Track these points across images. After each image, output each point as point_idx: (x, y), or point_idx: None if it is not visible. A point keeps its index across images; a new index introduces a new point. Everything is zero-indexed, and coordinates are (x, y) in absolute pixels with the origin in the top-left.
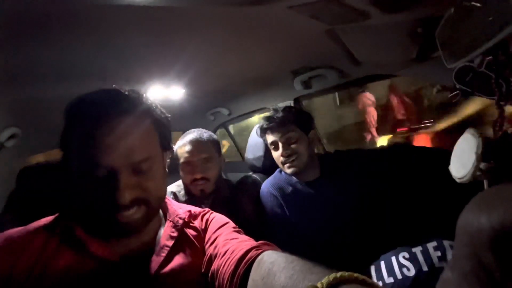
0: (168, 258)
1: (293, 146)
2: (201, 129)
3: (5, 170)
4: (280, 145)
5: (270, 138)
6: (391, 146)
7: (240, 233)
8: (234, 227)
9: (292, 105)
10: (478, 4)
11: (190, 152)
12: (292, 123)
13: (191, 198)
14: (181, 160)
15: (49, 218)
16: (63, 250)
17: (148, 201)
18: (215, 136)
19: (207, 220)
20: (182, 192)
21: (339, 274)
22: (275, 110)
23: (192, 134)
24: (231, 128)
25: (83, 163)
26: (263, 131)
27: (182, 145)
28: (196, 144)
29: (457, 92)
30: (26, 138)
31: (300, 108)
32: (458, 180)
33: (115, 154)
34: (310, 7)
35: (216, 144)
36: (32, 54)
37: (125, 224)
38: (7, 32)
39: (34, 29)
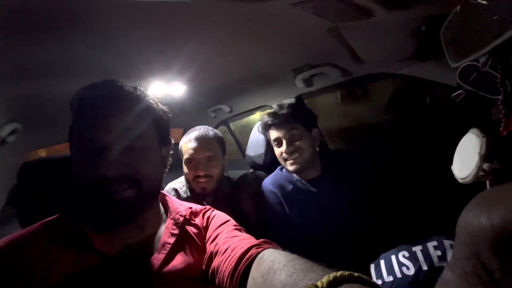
0: (170, 256)
1: (296, 143)
2: (207, 126)
3: (6, 164)
4: (284, 142)
5: (273, 134)
6: (393, 145)
7: (241, 231)
8: (235, 225)
9: (294, 102)
10: (485, 2)
11: (195, 149)
12: (296, 120)
13: (192, 194)
14: (185, 156)
15: (51, 219)
16: (67, 249)
17: (139, 182)
18: (220, 135)
19: (208, 217)
20: (184, 188)
21: (339, 273)
22: (280, 107)
23: (198, 131)
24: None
25: (80, 142)
26: (267, 127)
27: (187, 141)
28: (202, 141)
29: (460, 91)
30: (27, 133)
31: (304, 106)
32: (460, 181)
33: (107, 131)
34: (313, 4)
35: (221, 143)
36: (33, 50)
37: (117, 203)
38: (8, 28)
39: (35, 25)
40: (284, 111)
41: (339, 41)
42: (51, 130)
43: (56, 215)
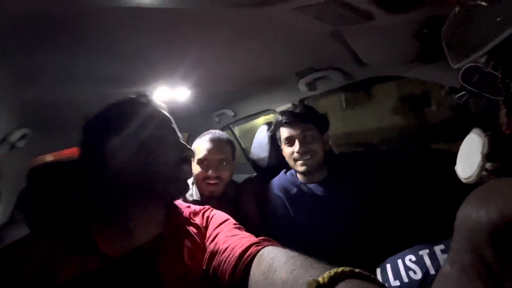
0: (171, 256)
1: (310, 144)
2: (219, 131)
3: (16, 169)
4: (297, 141)
5: (286, 133)
6: (397, 148)
7: (240, 230)
8: (234, 224)
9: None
10: (484, 3)
11: (208, 150)
12: (311, 121)
13: (200, 197)
14: (198, 156)
15: (54, 221)
16: (70, 251)
17: None
18: (232, 140)
19: (207, 217)
20: (190, 191)
21: (340, 269)
22: (295, 106)
23: (213, 134)
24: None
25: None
26: (278, 125)
27: (201, 142)
28: (216, 143)
29: (464, 93)
30: (36, 138)
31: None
32: (464, 181)
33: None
34: (314, 8)
35: (233, 147)
36: (42, 57)
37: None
38: (17, 35)
39: (43, 32)
40: (300, 110)
41: (341, 45)
42: (60, 135)
43: (59, 218)
